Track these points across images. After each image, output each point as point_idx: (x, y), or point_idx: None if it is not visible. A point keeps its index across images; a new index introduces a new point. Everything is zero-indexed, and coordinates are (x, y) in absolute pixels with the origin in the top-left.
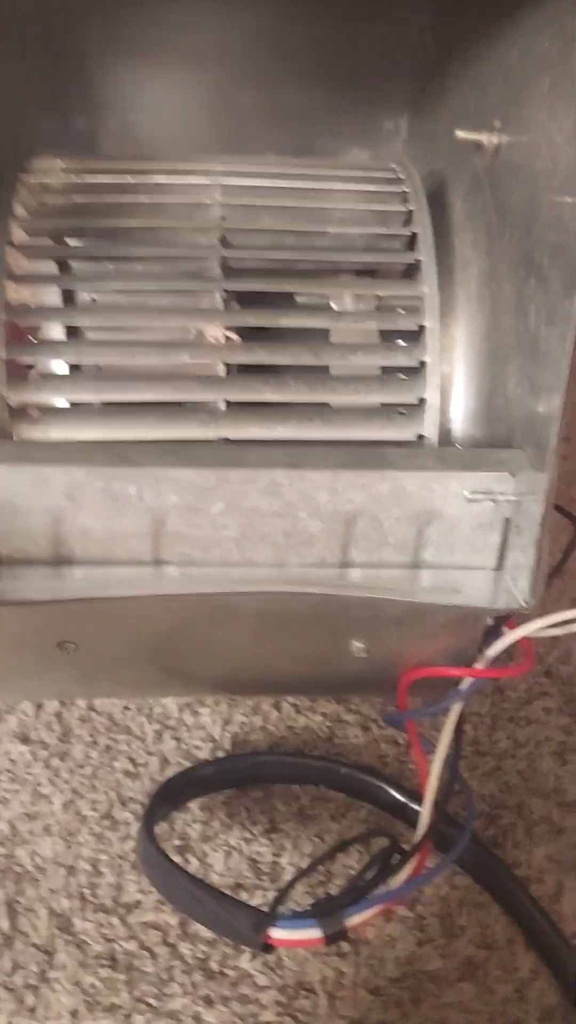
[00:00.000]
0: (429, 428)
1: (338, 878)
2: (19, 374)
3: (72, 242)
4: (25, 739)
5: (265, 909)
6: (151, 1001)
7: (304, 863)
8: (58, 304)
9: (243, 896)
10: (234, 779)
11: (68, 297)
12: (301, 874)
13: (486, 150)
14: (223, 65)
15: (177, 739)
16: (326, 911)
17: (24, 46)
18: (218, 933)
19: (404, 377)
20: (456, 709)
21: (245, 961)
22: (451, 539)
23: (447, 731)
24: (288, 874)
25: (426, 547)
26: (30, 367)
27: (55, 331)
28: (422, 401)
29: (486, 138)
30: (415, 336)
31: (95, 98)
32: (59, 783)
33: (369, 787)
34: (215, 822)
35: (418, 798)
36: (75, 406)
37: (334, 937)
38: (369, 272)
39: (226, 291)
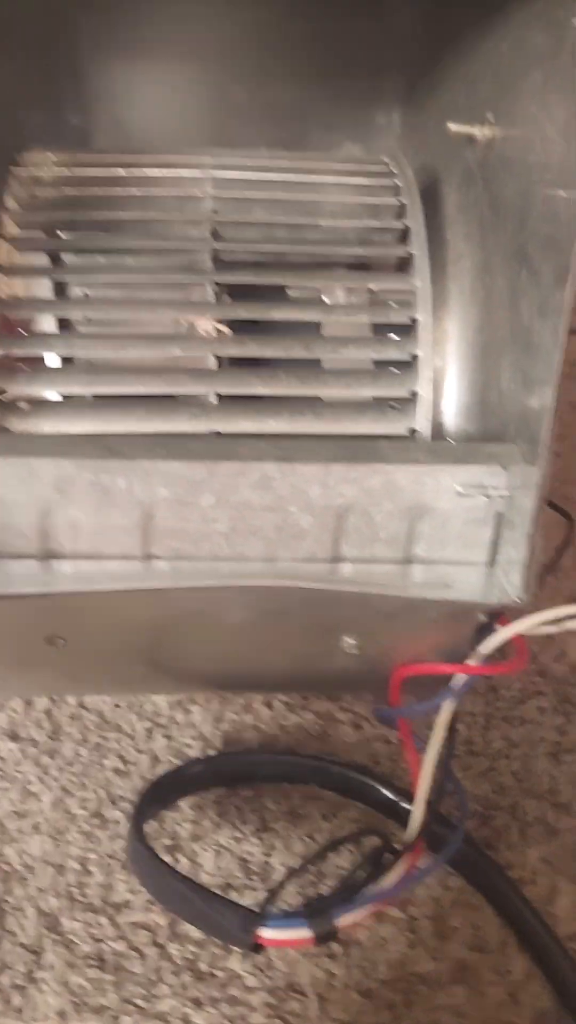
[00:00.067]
0: (421, 422)
1: (329, 878)
2: (9, 367)
3: (64, 235)
4: (14, 736)
5: (255, 909)
6: (139, 1002)
7: (295, 863)
8: (49, 297)
9: (233, 896)
10: (225, 778)
11: (60, 290)
12: (291, 874)
13: (479, 143)
14: (215, 60)
15: (168, 737)
16: (316, 911)
17: (16, 40)
18: (207, 933)
19: (396, 371)
20: (448, 707)
21: (235, 962)
22: (443, 534)
23: (439, 729)
24: (278, 874)
25: (417, 542)
26: (20, 360)
27: (46, 324)
28: (414, 395)
29: (479, 131)
30: (407, 330)
31: (87, 93)
32: (48, 781)
33: (361, 786)
34: (205, 821)
35: (410, 797)
36: (66, 399)
37: (324, 937)
38: (362, 265)
39: (217, 284)
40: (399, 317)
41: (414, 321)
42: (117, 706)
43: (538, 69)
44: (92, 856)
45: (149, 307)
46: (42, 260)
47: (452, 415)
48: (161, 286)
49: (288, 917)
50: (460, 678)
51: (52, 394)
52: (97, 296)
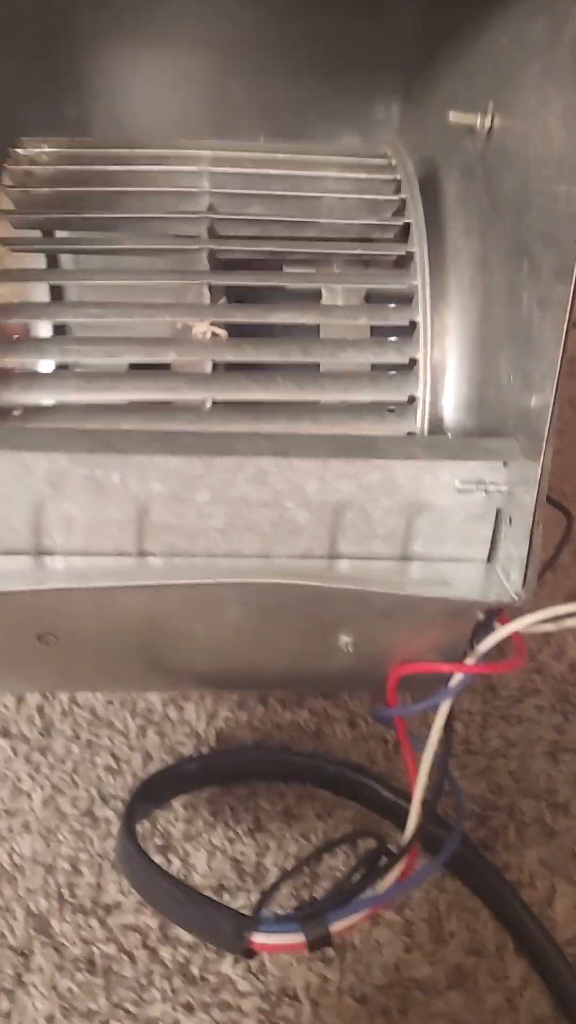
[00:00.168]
0: (419, 425)
1: (324, 879)
2: (3, 372)
3: (59, 233)
4: (6, 733)
5: (248, 912)
6: (129, 1007)
7: (289, 863)
8: (44, 300)
9: (226, 898)
10: (218, 776)
11: (55, 291)
12: (285, 876)
13: (478, 134)
14: (213, 54)
15: (161, 734)
16: (310, 915)
17: (16, 33)
18: (199, 937)
19: (394, 373)
20: (446, 706)
21: (227, 966)
22: (441, 530)
23: (436, 729)
24: (272, 875)
25: (416, 538)
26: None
27: (42, 328)
28: (412, 399)
29: (478, 121)
30: (406, 329)
31: (84, 85)
32: (39, 779)
33: (356, 785)
34: (198, 820)
35: (407, 797)
36: (60, 405)
37: (318, 942)
38: (361, 260)
39: (214, 284)
40: (398, 319)
41: (412, 323)
42: (110, 703)
43: (538, 61)
44: (83, 856)
45: (145, 309)
46: (37, 261)
47: (451, 410)
48: (157, 287)
49: (281, 922)
50: (458, 677)
51: (46, 400)
52: (92, 299)
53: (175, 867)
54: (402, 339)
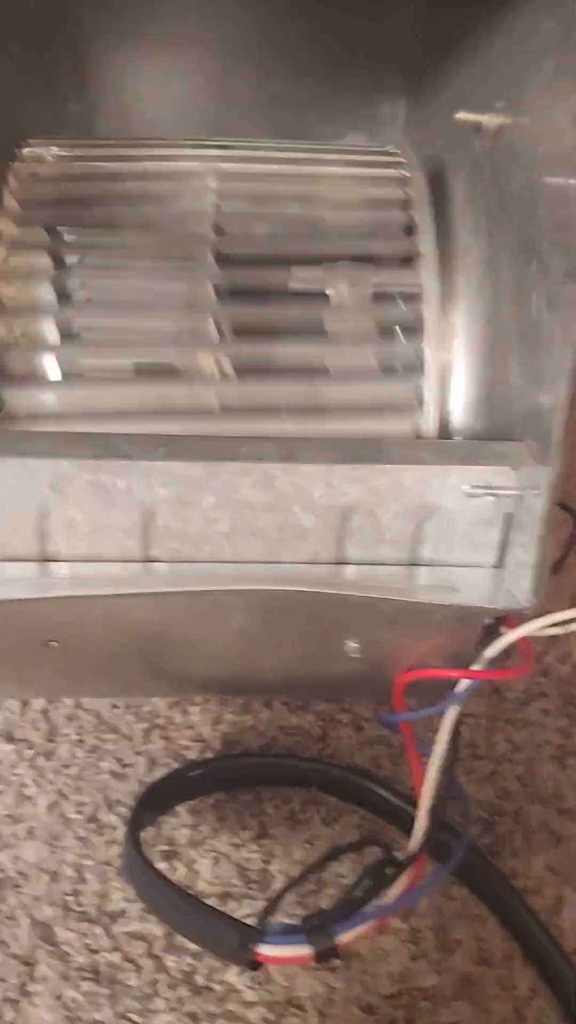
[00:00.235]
0: (426, 427)
1: (329, 887)
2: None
3: (64, 233)
4: (10, 737)
5: (253, 921)
6: (134, 1017)
7: (294, 870)
8: (49, 300)
9: (231, 905)
10: (223, 782)
11: (59, 291)
12: (290, 885)
13: (487, 132)
14: (216, 53)
15: (166, 739)
16: (316, 927)
17: (20, 30)
18: (204, 948)
19: (402, 374)
20: (452, 712)
21: (232, 975)
22: (449, 535)
23: (443, 736)
24: (278, 882)
25: (424, 543)
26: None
27: (46, 329)
28: (420, 400)
29: (487, 119)
30: (414, 331)
31: (88, 84)
32: (44, 784)
33: (363, 791)
34: (203, 826)
35: (413, 802)
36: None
37: (324, 955)
38: (368, 260)
39: (219, 283)
40: (406, 319)
41: (421, 320)
42: (115, 706)
43: (549, 58)
44: (88, 863)
45: (150, 311)
46: (42, 261)
47: (459, 411)
48: (163, 288)
49: (287, 933)
50: (465, 682)
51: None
52: (96, 300)
53: (180, 874)
54: (410, 340)
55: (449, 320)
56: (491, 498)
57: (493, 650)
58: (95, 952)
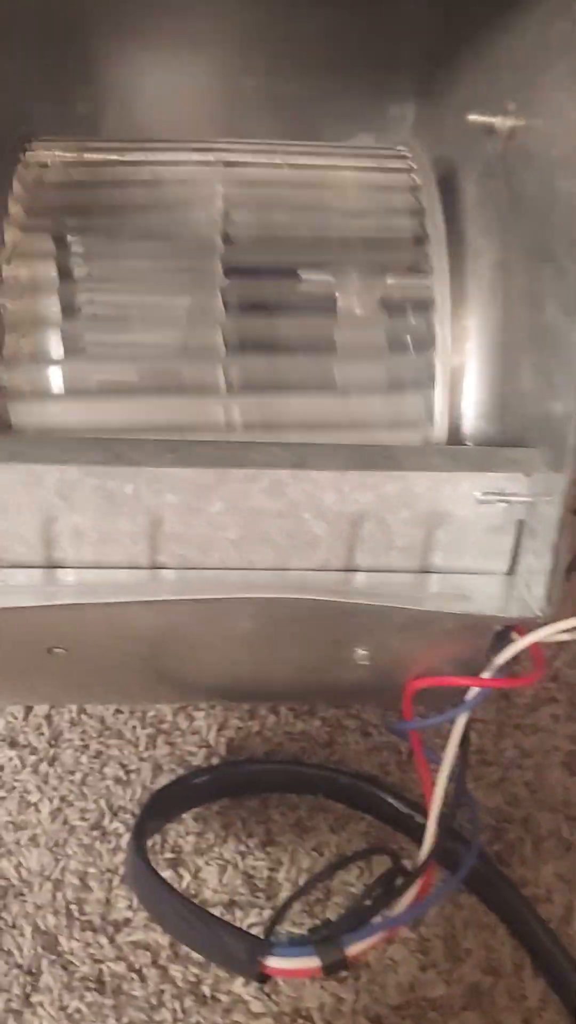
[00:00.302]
0: (437, 432)
1: (337, 895)
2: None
3: (71, 238)
4: (13, 743)
5: (260, 930)
6: None
7: (301, 878)
8: (54, 309)
9: (238, 914)
10: (229, 788)
11: (64, 299)
12: (297, 894)
13: (499, 134)
14: (225, 50)
15: (171, 744)
16: (325, 938)
17: (26, 28)
18: (211, 960)
19: (412, 378)
20: (462, 720)
21: (239, 986)
22: (461, 542)
23: (452, 744)
24: (285, 890)
25: (434, 550)
26: None
27: (51, 337)
28: (431, 405)
29: (499, 122)
30: (425, 334)
31: (96, 82)
32: (47, 790)
33: (370, 798)
34: (209, 833)
35: (421, 809)
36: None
37: (334, 967)
38: (378, 263)
39: (227, 290)
40: (417, 323)
41: (431, 335)
42: (119, 712)
43: (562, 60)
44: (92, 871)
45: (156, 328)
46: (48, 268)
47: (471, 417)
48: (171, 301)
49: (296, 945)
50: (475, 690)
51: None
52: (102, 310)
53: (186, 882)
54: (420, 351)
55: (461, 324)
56: (503, 505)
57: (504, 657)
58: (99, 962)
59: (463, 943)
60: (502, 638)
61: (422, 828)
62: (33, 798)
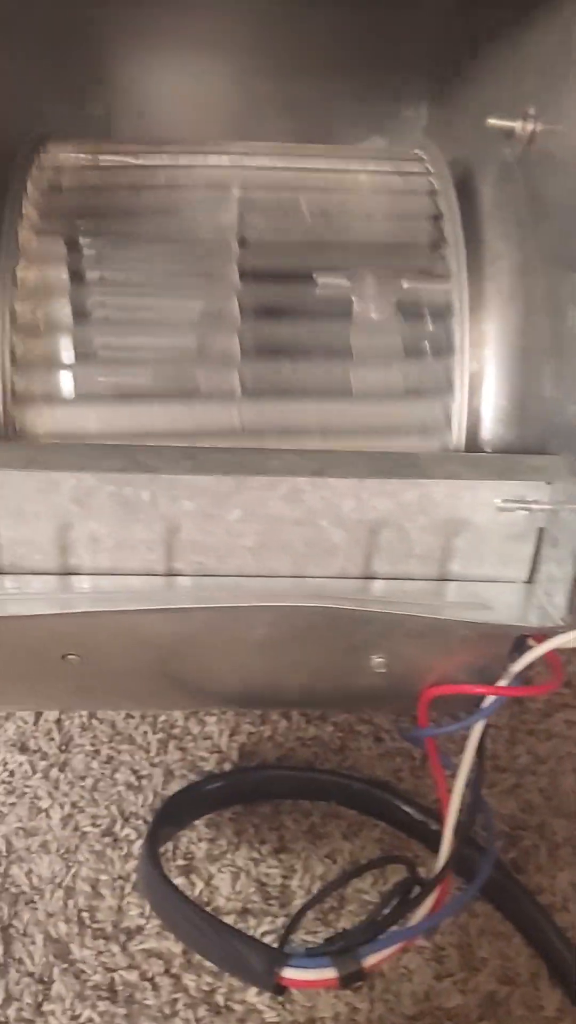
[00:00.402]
0: (456, 438)
1: (351, 903)
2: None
3: (84, 241)
4: (23, 748)
5: (273, 938)
6: None
7: (315, 886)
8: (66, 315)
9: (251, 922)
10: (241, 795)
11: (77, 306)
12: (311, 902)
13: (519, 138)
14: (239, 52)
15: (182, 749)
16: (341, 949)
17: (40, 30)
18: (226, 970)
19: (431, 383)
20: (478, 728)
21: (253, 995)
22: (480, 550)
23: (469, 752)
24: (298, 897)
25: (453, 558)
26: None
27: (63, 346)
28: (449, 410)
29: (520, 126)
30: (443, 338)
31: (110, 84)
32: (58, 796)
33: (384, 804)
34: (222, 840)
35: (435, 816)
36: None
37: (350, 978)
38: (394, 267)
39: (243, 295)
40: (434, 328)
41: (449, 341)
42: (130, 716)
43: None
44: (103, 878)
45: (171, 332)
46: (60, 273)
47: (490, 422)
48: (186, 304)
49: (312, 956)
50: (491, 697)
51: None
52: (117, 316)
53: (199, 889)
54: (439, 349)
55: (479, 329)
56: (524, 512)
57: (521, 665)
58: (112, 970)
59: (479, 952)
60: (519, 645)
61: (436, 834)
62: (44, 804)
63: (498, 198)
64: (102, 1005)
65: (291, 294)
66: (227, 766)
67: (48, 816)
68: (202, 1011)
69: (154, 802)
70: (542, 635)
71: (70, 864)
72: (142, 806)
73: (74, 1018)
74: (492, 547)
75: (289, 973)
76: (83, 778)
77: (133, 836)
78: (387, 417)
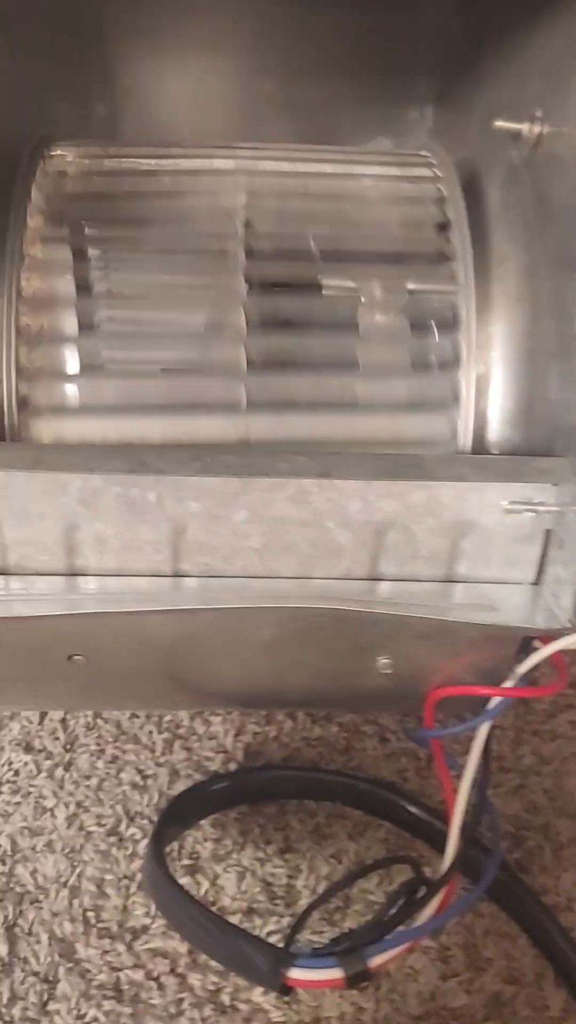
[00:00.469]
0: (462, 440)
1: (356, 903)
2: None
3: (90, 248)
4: (28, 747)
5: (279, 938)
6: None
7: (320, 886)
8: (72, 325)
9: (256, 922)
10: (247, 795)
11: (82, 314)
12: (317, 902)
13: (525, 141)
14: (244, 53)
15: (187, 749)
16: (347, 950)
17: (45, 30)
18: (232, 970)
19: (438, 386)
20: (484, 729)
21: (258, 995)
22: (487, 551)
23: (475, 753)
24: (303, 897)
25: (460, 560)
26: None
27: (68, 358)
28: (455, 412)
29: (526, 128)
30: (450, 340)
31: (114, 83)
32: (63, 795)
33: (389, 805)
34: (227, 840)
35: (441, 817)
36: (87, 405)
37: (356, 978)
38: (402, 269)
39: (249, 300)
40: (441, 329)
41: (456, 355)
42: (135, 716)
43: None
44: (109, 877)
45: (178, 307)
46: (67, 280)
47: (496, 423)
48: (193, 281)
49: (318, 957)
50: (497, 699)
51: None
52: (123, 320)
53: (204, 889)
54: (445, 360)
55: (486, 331)
56: (531, 514)
57: (526, 666)
58: (117, 969)
59: (484, 952)
60: (525, 647)
61: (441, 835)
62: (49, 803)
63: (504, 200)
64: (107, 1004)
65: (297, 305)
66: (232, 766)
67: (53, 816)
68: (208, 1010)
69: (159, 802)
70: (548, 636)
71: (75, 864)
72: (147, 806)
73: (79, 1017)
74: (499, 549)
75: (295, 973)
76: (88, 778)
77: (138, 836)
78: (393, 429)
